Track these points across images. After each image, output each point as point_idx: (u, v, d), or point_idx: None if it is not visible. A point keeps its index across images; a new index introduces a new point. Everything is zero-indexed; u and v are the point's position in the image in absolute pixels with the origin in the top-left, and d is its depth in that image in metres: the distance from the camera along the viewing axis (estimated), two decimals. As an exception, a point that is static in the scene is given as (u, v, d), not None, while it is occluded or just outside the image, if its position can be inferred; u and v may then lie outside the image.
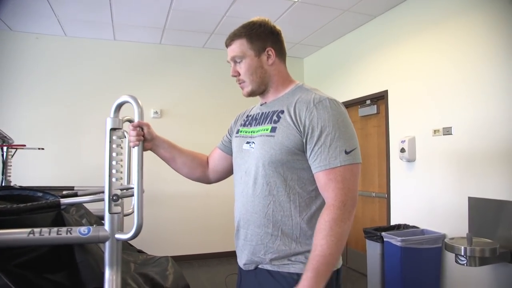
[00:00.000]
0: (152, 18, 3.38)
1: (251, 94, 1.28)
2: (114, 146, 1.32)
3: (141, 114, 1.34)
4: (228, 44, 1.27)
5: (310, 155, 1.10)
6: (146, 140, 1.32)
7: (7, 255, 1.23)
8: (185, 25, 3.58)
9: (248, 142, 1.25)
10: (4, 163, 2.70)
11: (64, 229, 1.18)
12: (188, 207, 4.15)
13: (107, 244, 1.24)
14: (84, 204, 1.82)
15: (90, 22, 3.45)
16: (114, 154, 1.31)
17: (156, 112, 3.99)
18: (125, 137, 1.51)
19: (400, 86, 3.22)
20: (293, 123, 1.13)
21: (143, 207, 1.28)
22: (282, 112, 1.19)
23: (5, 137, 2.64)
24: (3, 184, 2.59)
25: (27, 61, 3.63)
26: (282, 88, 1.28)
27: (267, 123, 1.21)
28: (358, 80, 3.79)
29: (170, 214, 4.07)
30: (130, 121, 1.36)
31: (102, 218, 1.80)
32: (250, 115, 1.36)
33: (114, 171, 1.31)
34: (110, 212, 1.26)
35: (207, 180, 1.48)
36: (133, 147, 1.30)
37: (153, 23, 3.50)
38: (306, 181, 1.14)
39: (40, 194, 1.57)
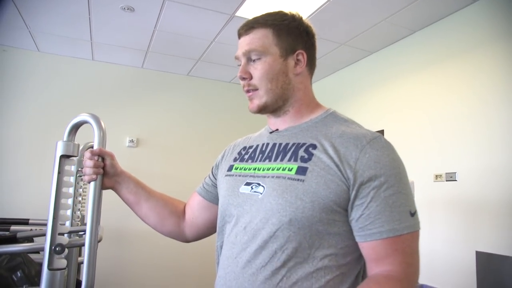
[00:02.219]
0: (134, 38, 3.13)
1: (263, 109, 0.91)
2: (64, 178, 1.01)
3: (103, 140, 1.03)
4: (243, 32, 0.91)
5: (361, 215, 0.75)
6: (107, 175, 0.99)
7: None
8: (170, 49, 3.35)
9: (249, 184, 0.87)
10: None
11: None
12: (160, 248, 3.73)
13: (41, 314, 0.90)
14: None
15: (66, 38, 3.17)
16: (64, 190, 1.01)
17: (131, 141, 3.65)
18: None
19: (398, 126, 3.02)
20: (336, 165, 0.77)
21: (99, 252, 0.96)
22: (314, 146, 0.83)
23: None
24: None
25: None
26: (307, 112, 0.93)
27: (289, 160, 0.84)
28: (352, 118, 3.58)
29: (139, 256, 3.63)
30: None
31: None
32: (251, 146, 1.00)
33: (62, 211, 1.00)
34: (50, 267, 0.93)
35: (182, 236, 1.09)
36: (88, 182, 0.97)
37: (135, 44, 3.25)
38: (339, 251, 0.77)
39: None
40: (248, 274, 0.79)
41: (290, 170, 0.81)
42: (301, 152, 0.84)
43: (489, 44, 2.35)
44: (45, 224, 2.13)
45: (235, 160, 1.00)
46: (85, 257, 0.92)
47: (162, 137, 3.82)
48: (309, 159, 0.81)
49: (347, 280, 0.78)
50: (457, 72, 2.54)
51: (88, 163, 0.97)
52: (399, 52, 3.05)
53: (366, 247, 0.77)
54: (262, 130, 1.04)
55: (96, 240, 0.94)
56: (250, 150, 0.98)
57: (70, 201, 0.95)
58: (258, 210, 0.81)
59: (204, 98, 4.07)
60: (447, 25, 2.65)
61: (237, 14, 2.69)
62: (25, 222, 2.55)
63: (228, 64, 3.67)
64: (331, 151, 0.80)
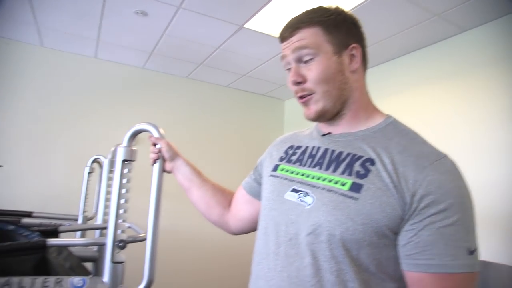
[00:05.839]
0: (142, 40, 3.21)
1: (321, 115, 0.83)
2: (124, 181, 1.13)
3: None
4: (288, 34, 0.84)
5: (409, 242, 0.69)
6: (166, 159, 1.13)
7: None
8: (175, 52, 3.44)
9: (296, 191, 0.81)
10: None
11: (52, 279, 0.95)
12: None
13: (105, 302, 1.01)
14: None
15: (73, 35, 3.21)
16: (123, 191, 1.12)
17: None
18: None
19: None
20: (394, 186, 0.70)
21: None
22: (372, 162, 0.75)
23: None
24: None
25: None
26: (364, 117, 0.85)
27: (343, 173, 0.77)
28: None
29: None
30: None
31: (84, 259, 1.54)
32: (299, 147, 0.93)
33: (121, 210, 1.11)
34: (113, 261, 1.04)
35: (227, 227, 1.12)
36: (151, 165, 1.14)
37: (141, 45, 3.32)
38: (387, 277, 0.73)
39: (12, 227, 1.30)
40: None
41: (343, 184, 0.75)
42: (357, 166, 0.76)
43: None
44: (51, 218, 2.20)
45: (281, 159, 0.94)
46: (147, 250, 1.03)
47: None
48: (365, 175, 0.74)
49: None
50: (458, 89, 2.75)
51: (151, 148, 1.16)
52: (393, 69, 3.26)
53: (411, 277, 0.71)
54: (312, 129, 0.96)
55: (157, 233, 1.05)
56: (298, 152, 0.91)
57: (123, 201, 1.07)
58: (305, 222, 0.76)
59: (201, 100, 4.17)
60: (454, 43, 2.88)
61: (246, 26, 2.82)
62: (28, 214, 2.59)
63: (227, 69, 3.79)
64: (390, 169, 0.72)
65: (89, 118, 3.55)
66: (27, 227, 1.29)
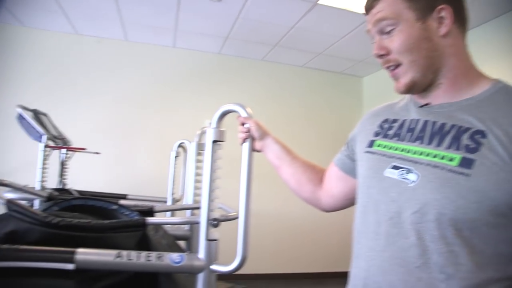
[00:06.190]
0: (217, 26, 3.27)
1: (411, 87, 0.77)
2: (214, 161, 1.14)
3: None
4: (369, 6, 0.80)
5: None
6: (255, 138, 1.10)
7: (86, 277, 1.06)
8: (249, 35, 3.46)
9: (397, 167, 0.75)
10: (62, 165, 2.61)
11: (154, 254, 1.00)
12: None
13: (201, 276, 1.05)
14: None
15: (152, 27, 3.38)
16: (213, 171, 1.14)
17: (210, 124, 3.85)
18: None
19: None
20: None
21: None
22: (483, 134, 0.67)
23: (65, 139, 2.56)
24: (61, 187, 2.49)
25: (88, 64, 3.59)
26: (465, 84, 0.75)
27: (449, 147, 0.69)
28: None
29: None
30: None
31: (178, 238, 1.64)
32: (395, 120, 0.85)
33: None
34: (208, 238, 1.07)
35: (318, 204, 1.06)
36: (241, 144, 1.10)
37: (217, 31, 3.39)
38: (505, 260, 0.66)
39: (115, 207, 1.41)
40: (400, 272, 0.70)
41: (451, 160, 0.68)
42: (465, 139, 0.68)
43: None
44: (143, 200, 2.33)
45: (376, 134, 0.87)
46: (240, 228, 1.04)
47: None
48: (476, 149, 0.66)
49: None
50: None
51: (239, 127, 1.12)
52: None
53: None
54: (406, 100, 0.88)
55: (249, 211, 1.05)
56: (395, 125, 0.84)
57: (216, 181, 1.08)
58: (408, 201, 0.71)
59: (277, 81, 4.17)
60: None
61: (320, 2, 2.72)
62: (123, 196, 2.79)
63: (302, 49, 3.72)
64: (505, 141, 0.64)
65: (170, 106, 3.75)
66: (126, 207, 1.38)
